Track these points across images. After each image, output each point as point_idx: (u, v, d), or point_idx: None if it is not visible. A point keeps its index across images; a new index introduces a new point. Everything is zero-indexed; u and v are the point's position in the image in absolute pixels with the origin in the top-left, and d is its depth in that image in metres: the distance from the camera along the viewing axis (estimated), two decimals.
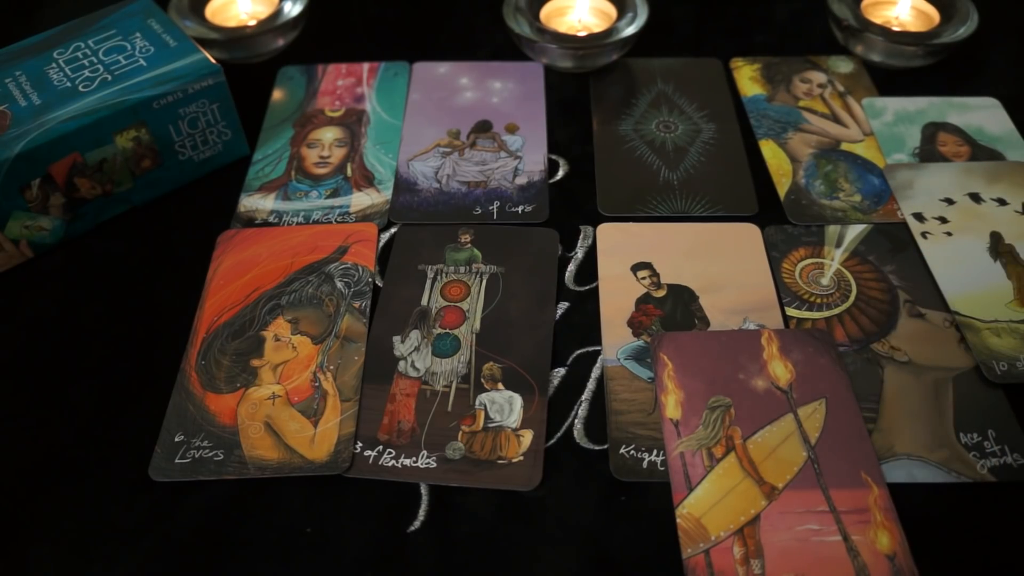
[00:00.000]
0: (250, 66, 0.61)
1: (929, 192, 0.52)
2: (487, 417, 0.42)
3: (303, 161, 0.55)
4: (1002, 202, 0.51)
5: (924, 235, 0.49)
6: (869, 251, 0.49)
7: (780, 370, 0.43)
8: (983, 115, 0.57)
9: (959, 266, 0.48)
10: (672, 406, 0.41)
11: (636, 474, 0.40)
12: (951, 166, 0.54)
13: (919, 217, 0.50)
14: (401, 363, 0.44)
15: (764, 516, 0.37)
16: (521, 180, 0.54)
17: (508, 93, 0.60)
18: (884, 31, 0.60)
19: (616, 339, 0.45)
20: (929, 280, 0.47)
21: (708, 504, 0.38)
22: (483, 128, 0.57)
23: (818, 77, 0.60)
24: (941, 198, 0.51)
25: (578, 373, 0.44)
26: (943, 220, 0.50)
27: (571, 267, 0.49)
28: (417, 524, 0.38)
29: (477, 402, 0.42)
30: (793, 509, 0.38)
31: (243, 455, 0.40)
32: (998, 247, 0.49)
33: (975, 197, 0.51)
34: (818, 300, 0.46)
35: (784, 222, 0.51)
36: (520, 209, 0.52)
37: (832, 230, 0.50)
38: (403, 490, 0.39)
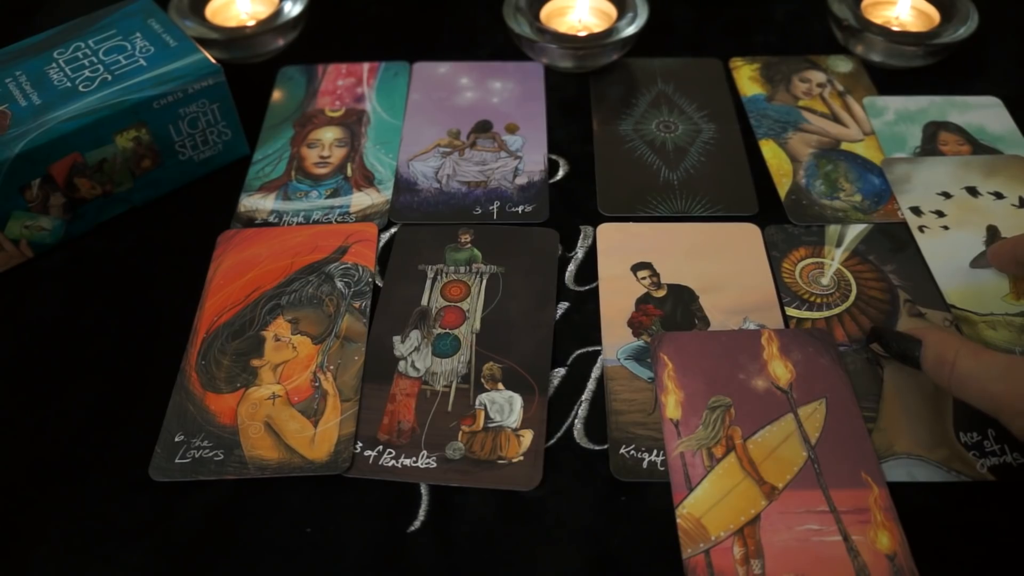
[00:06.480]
0: (250, 66, 0.61)
1: (926, 186, 0.52)
2: (487, 417, 0.42)
3: (303, 161, 0.55)
4: (999, 196, 0.51)
5: (921, 229, 0.50)
6: (869, 251, 0.49)
7: (780, 370, 0.43)
8: (984, 114, 0.57)
9: (956, 260, 0.48)
10: (672, 406, 0.41)
11: (636, 474, 0.39)
12: (949, 160, 0.54)
13: (916, 211, 0.50)
14: (401, 363, 0.44)
15: (764, 516, 0.37)
16: (521, 180, 0.54)
17: (508, 93, 0.60)
18: (884, 31, 0.60)
19: (616, 339, 0.45)
20: (929, 279, 0.47)
21: (708, 504, 0.38)
22: (483, 128, 0.57)
23: (817, 77, 0.60)
24: (938, 192, 0.51)
25: (578, 373, 0.44)
26: (940, 214, 0.50)
27: (571, 267, 0.49)
28: (417, 524, 0.38)
29: (477, 402, 0.42)
30: (793, 509, 0.38)
31: (243, 455, 0.40)
32: (995, 241, 0.49)
33: (972, 191, 0.51)
34: (818, 300, 0.46)
35: (784, 222, 0.51)
36: (520, 209, 0.52)
37: (832, 230, 0.50)
38: (403, 490, 0.39)
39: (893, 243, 0.49)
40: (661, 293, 0.47)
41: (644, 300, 0.47)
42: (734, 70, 0.61)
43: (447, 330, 0.45)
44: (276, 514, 0.39)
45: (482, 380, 0.43)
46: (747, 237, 0.50)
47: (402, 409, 0.42)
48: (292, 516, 0.38)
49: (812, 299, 0.46)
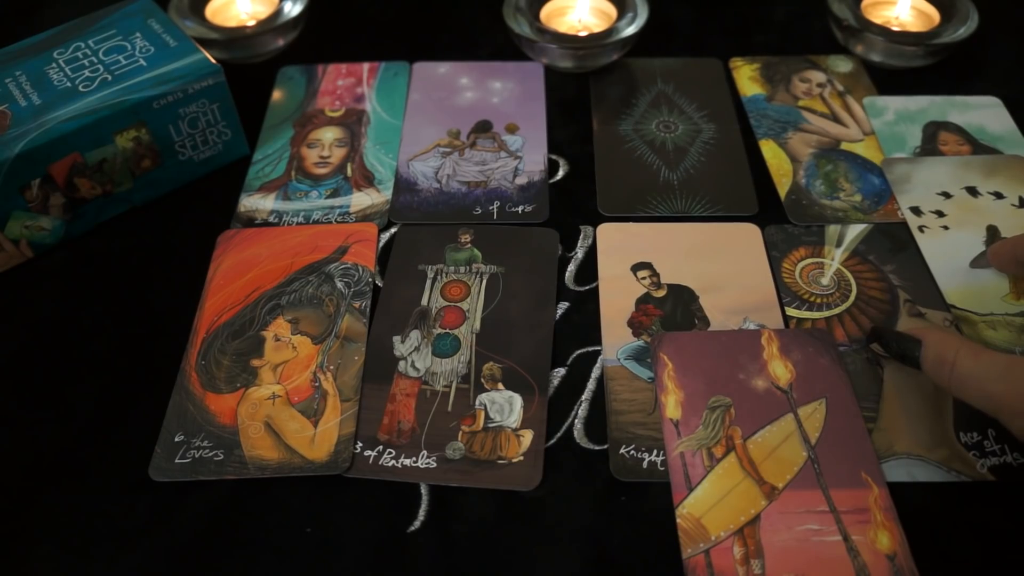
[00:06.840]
0: (250, 66, 0.61)
1: (926, 186, 0.52)
2: (487, 417, 0.42)
3: (303, 161, 0.55)
4: (999, 196, 0.51)
5: (921, 229, 0.50)
6: (869, 251, 0.49)
7: (780, 370, 0.43)
8: (984, 114, 0.57)
9: (956, 260, 0.48)
10: (672, 406, 0.41)
11: (636, 474, 0.39)
12: (948, 160, 0.54)
13: (916, 211, 0.51)
14: (401, 363, 0.44)
15: (764, 516, 0.37)
16: (521, 180, 0.54)
17: (508, 93, 0.60)
18: (884, 31, 0.60)
19: (616, 339, 0.45)
20: (929, 279, 0.47)
21: (708, 504, 0.38)
22: (483, 128, 0.57)
23: (817, 76, 0.60)
24: (938, 192, 0.51)
25: (578, 373, 0.44)
26: (940, 214, 0.50)
27: (571, 267, 0.49)
28: (417, 524, 0.38)
29: (477, 402, 0.42)
30: (793, 509, 0.38)
31: (243, 455, 0.40)
32: (994, 241, 0.49)
33: (972, 191, 0.51)
34: (818, 300, 0.46)
35: (784, 222, 0.51)
36: (520, 209, 0.52)
37: (832, 230, 0.50)
38: (403, 490, 0.39)
39: (893, 243, 0.49)
40: (661, 293, 0.47)
41: (644, 300, 0.47)
42: (734, 70, 0.61)
43: (447, 330, 0.45)
44: (276, 514, 0.39)
45: (482, 380, 0.43)
46: (747, 237, 0.50)
47: (402, 409, 0.42)
48: (292, 516, 0.38)
49: (812, 299, 0.46)
